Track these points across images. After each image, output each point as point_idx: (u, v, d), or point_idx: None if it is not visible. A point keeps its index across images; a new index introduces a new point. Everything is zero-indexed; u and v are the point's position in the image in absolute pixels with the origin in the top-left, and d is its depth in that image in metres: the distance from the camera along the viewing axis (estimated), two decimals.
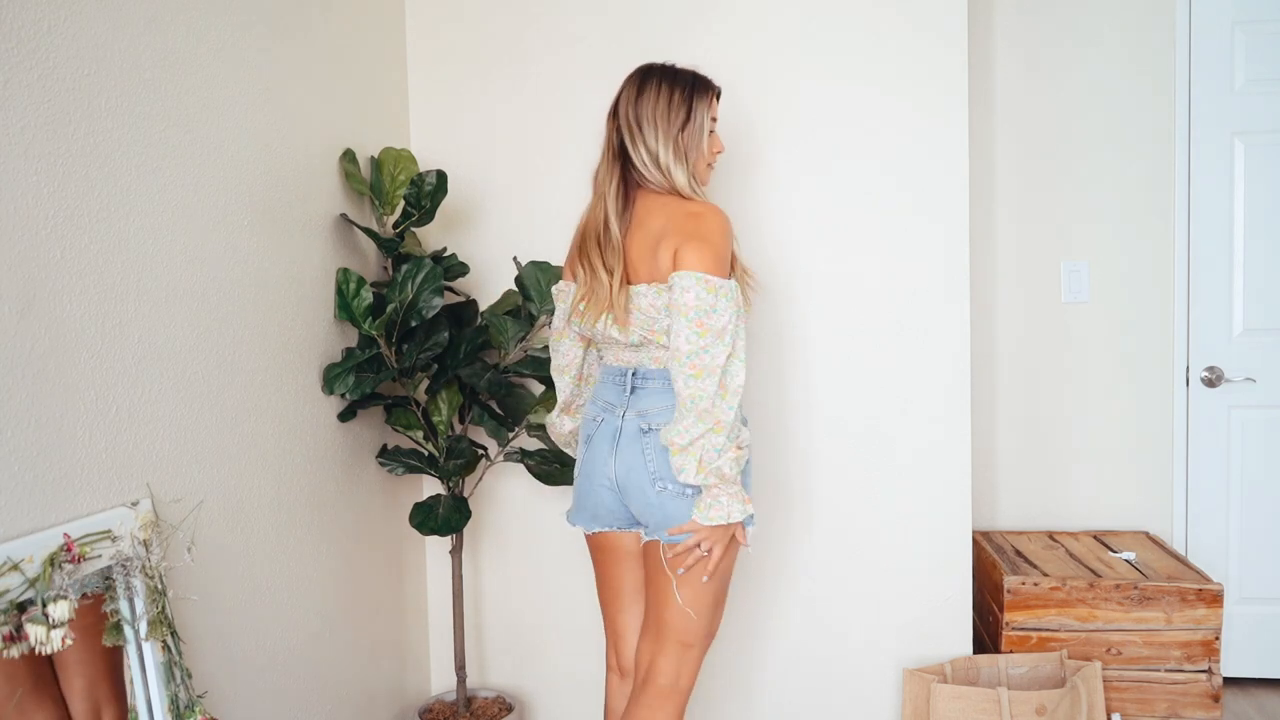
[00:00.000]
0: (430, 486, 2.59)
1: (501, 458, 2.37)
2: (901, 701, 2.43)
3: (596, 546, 1.98)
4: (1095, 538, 2.91)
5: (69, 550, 1.33)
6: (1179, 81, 2.91)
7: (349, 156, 2.22)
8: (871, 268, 2.44)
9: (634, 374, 1.83)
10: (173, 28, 1.65)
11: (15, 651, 1.25)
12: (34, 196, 1.36)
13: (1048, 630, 2.50)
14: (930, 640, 2.48)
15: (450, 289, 2.39)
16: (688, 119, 1.80)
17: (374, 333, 2.12)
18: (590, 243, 1.84)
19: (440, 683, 2.66)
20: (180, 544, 1.60)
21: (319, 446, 2.11)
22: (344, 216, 2.22)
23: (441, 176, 2.28)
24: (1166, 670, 2.48)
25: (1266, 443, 2.93)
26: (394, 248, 2.22)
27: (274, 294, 1.95)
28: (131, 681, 1.48)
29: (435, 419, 2.30)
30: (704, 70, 1.88)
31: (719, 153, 1.90)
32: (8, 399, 1.32)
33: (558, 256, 2.29)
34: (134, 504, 1.50)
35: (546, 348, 2.26)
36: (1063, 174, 2.97)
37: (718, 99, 1.88)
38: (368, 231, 2.21)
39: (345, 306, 2.13)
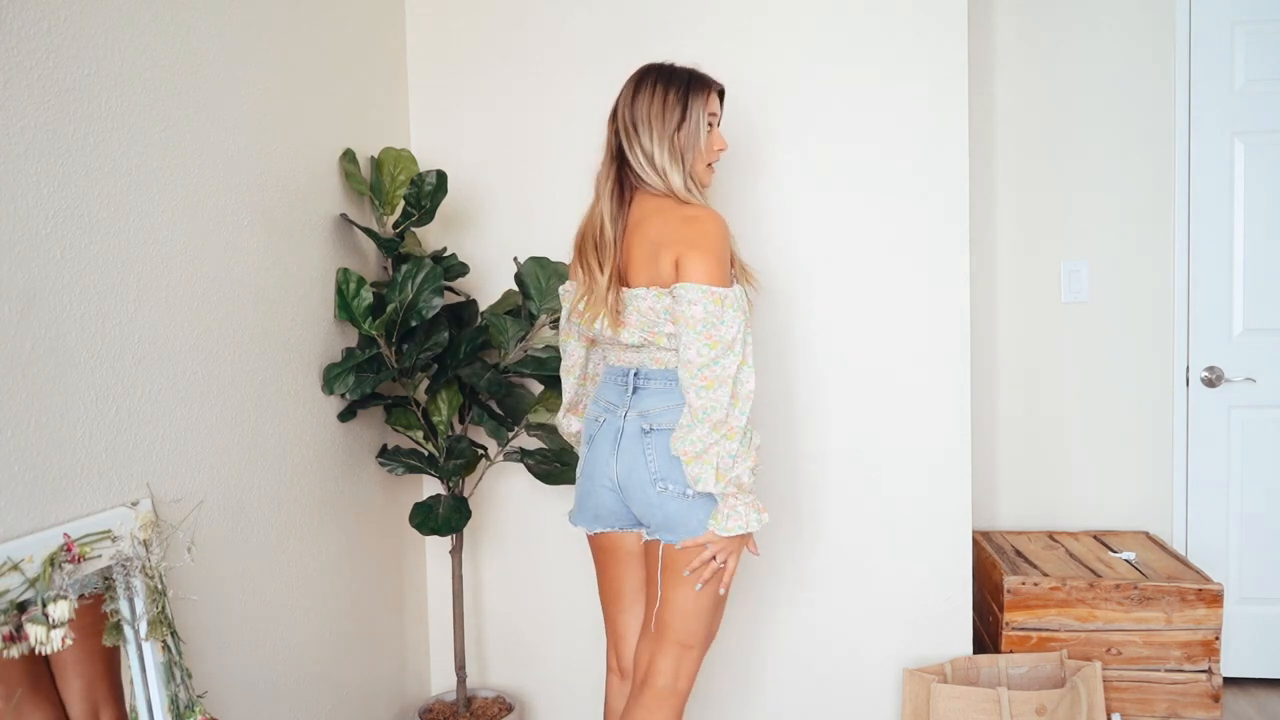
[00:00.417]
0: (430, 486, 2.59)
1: (501, 457, 2.37)
2: (901, 701, 2.43)
3: (598, 547, 1.98)
4: (1095, 538, 2.91)
5: (69, 550, 1.33)
6: (1179, 81, 2.91)
7: (349, 156, 2.22)
8: (871, 267, 2.44)
9: (636, 374, 1.83)
10: (172, 28, 1.65)
11: (15, 651, 1.25)
12: (34, 196, 1.36)
13: (1048, 630, 2.50)
14: (930, 640, 2.48)
15: (450, 289, 2.40)
16: (683, 118, 1.79)
17: (374, 333, 2.12)
18: (588, 244, 1.85)
19: (440, 683, 2.66)
20: (180, 544, 1.60)
21: (319, 446, 2.11)
22: (344, 216, 2.22)
23: (441, 176, 2.28)
24: (1166, 670, 2.48)
25: (1267, 443, 2.93)
26: (394, 248, 2.22)
27: (274, 294, 1.95)
28: (131, 682, 1.48)
29: (435, 419, 2.30)
30: (704, 67, 1.87)
31: (722, 150, 1.87)
32: (8, 399, 1.31)
33: (557, 256, 2.29)
34: (134, 504, 1.50)
35: (546, 347, 2.26)
36: (1063, 174, 2.97)
37: (719, 96, 1.87)
38: (368, 231, 2.21)
39: (345, 306, 2.13)
